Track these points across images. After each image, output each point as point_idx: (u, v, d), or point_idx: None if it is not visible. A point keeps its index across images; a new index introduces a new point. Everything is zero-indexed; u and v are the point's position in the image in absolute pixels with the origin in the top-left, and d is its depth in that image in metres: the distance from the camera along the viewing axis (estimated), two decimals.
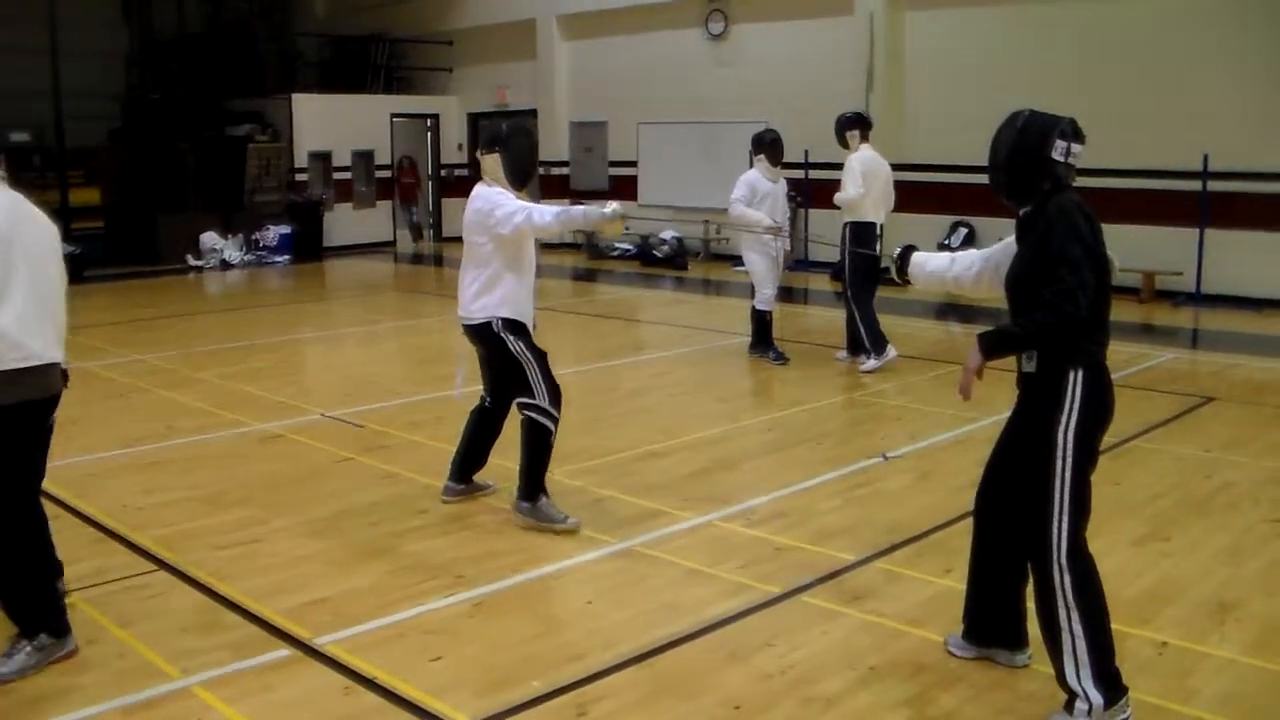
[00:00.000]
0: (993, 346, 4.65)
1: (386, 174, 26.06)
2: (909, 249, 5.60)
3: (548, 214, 6.91)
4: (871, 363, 11.60)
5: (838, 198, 11.83)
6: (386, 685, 5.10)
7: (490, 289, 7.06)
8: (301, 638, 5.60)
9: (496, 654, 5.42)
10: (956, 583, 5.99)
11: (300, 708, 4.97)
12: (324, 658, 5.39)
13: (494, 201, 6.96)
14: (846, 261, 12.02)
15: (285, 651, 5.49)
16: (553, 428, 7.04)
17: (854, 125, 12.02)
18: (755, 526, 7.11)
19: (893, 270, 5.68)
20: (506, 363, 7.09)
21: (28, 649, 5.32)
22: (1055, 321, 4.43)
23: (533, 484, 7.12)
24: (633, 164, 22.97)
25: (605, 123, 23.12)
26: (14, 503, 5.31)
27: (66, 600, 5.73)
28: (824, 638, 5.52)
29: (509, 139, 7.08)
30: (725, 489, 7.90)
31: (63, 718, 4.93)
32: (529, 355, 7.03)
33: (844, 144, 11.99)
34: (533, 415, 7.02)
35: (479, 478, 7.73)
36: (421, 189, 26.58)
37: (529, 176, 7.22)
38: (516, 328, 7.07)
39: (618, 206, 6.98)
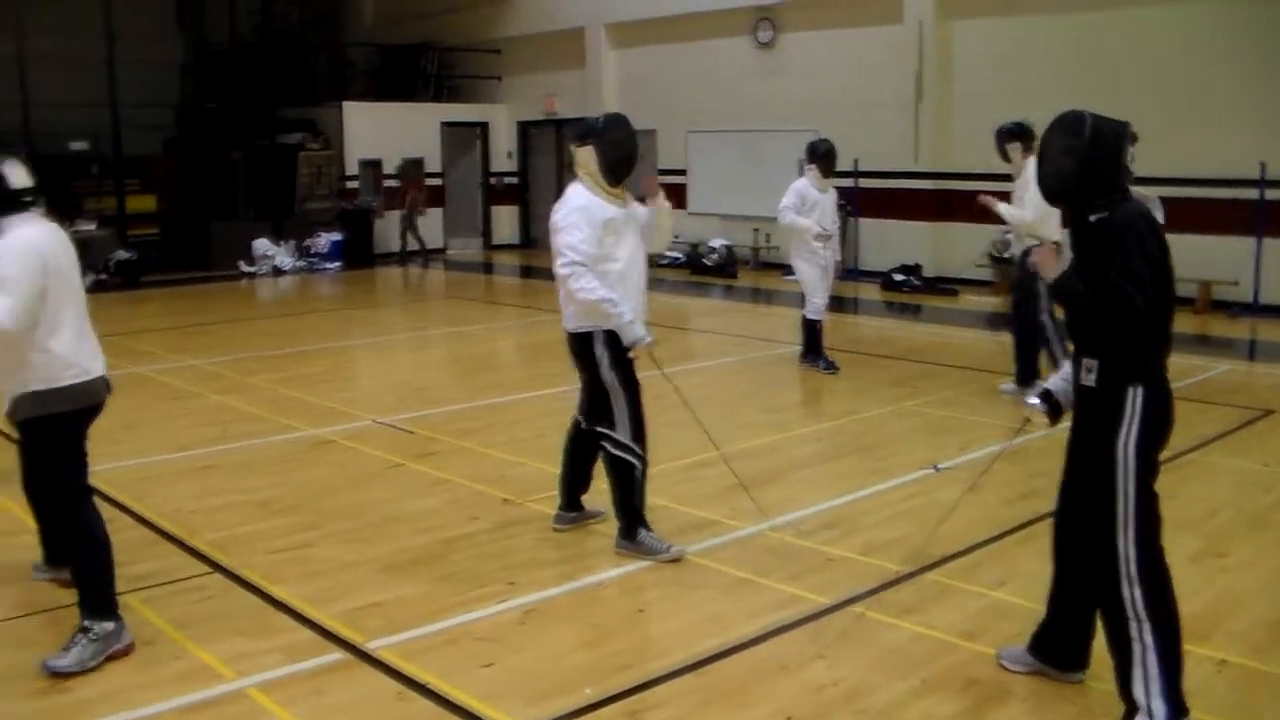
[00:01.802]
0: (1060, 288, 4.67)
1: (438, 182, 26.15)
2: (1047, 393, 5.02)
3: (591, 292, 6.49)
4: (1011, 386, 10.95)
5: (1012, 216, 10.59)
6: (438, 691, 5.11)
7: (575, 301, 6.69)
8: (354, 642, 5.63)
9: (547, 661, 5.42)
10: (1009, 595, 5.97)
11: (353, 712, 5.00)
12: (376, 662, 5.42)
13: (561, 224, 6.61)
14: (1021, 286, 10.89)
15: (338, 655, 5.53)
16: (636, 462, 6.77)
17: (1015, 137, 10.61)
18: (806, 537, 7.08)
19: (1045, 419, 5.06)
20: (595, 383, 6.80)
21: (84, 641, 5.46)
22: (1113, 303, 4.36)
23: (627, 521, 6.85)
24: (682, 172, 22.95)
25: (654, 131, 23.08)
26: (78, 494, 5.66)
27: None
28: (875, 649, 5.49)
29: (605, 131, 6.69)
30: (776, 499, 7.86)
31: (120, 716, 4.99)
32: (619, 385, 6.72)
33: (1005, 158, 10.84)
34: (611, 449, 6.79)
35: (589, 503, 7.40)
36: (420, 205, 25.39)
37: (625, 173, 6.74)
38: (616, 344, 6.67)
39: (651, 341, 6.66)
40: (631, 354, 6.68)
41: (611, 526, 7.01)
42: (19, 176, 5.58)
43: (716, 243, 21.63)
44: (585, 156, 6.69)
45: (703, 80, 22.52)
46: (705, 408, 10.45)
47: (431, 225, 25.88)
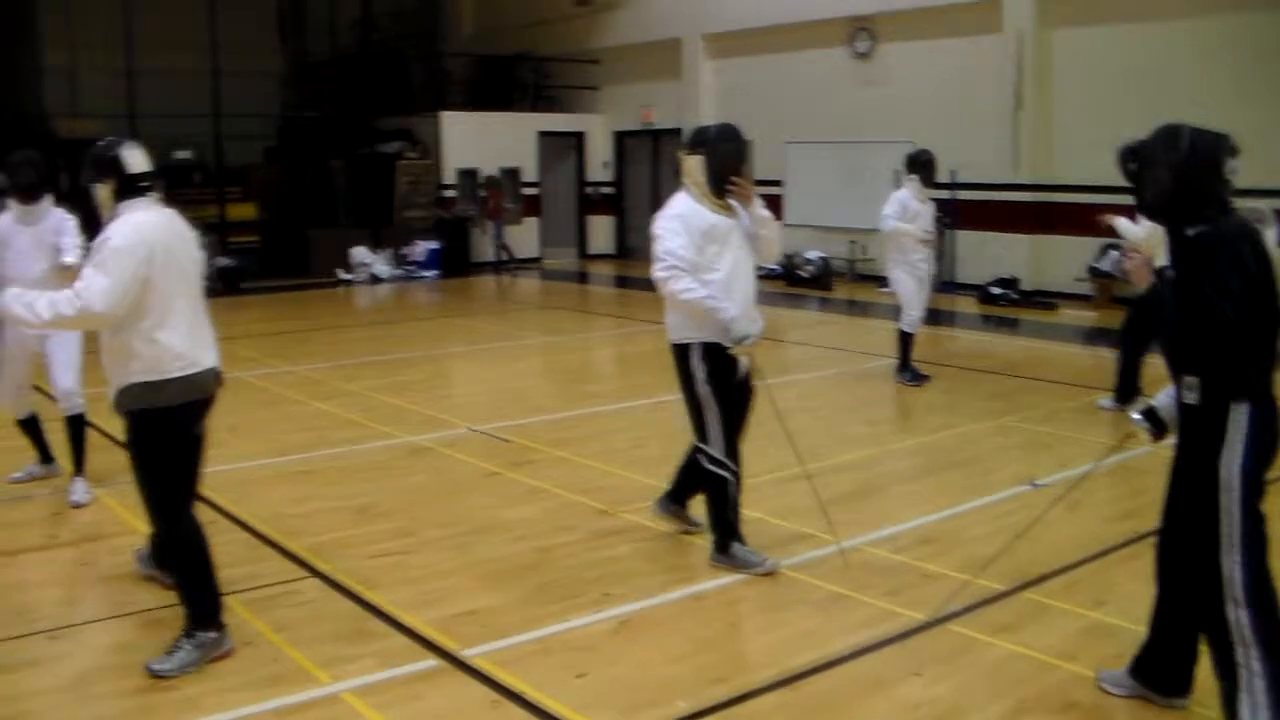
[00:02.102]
0: (1152, 300, 4.62)
1: (534, 191, 26.30)
2: (1151, 410, 4.95)
3: (691, 292, 6.47)
4: (1110, 402, 10.81)
5: (1127, 231, 10.40)
6: (533, 700, 5.13)
7: (677, 304, 6.65)
8: (449, 649, 5.67)
9: (641, 673, 5.44)
10: (1108, 616, 5.90)
11: (447, 718, 5.04)
12: (471, 670, 5.45)
13: (659, 231, 6.61)
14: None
15: (433, 662, 5.57)
16: (729, 476, 6.71)
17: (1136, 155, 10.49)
18: (902, 552, 7.05)
19: (1148, 435, 4.97)
20: (689, 396, 6.75)
21: (188, 646, 5.52)
22: (1204, 316, 4.30)
23: (721, 535, 6.81)
24: (778, 183, 22.89)
25: (751, 142, 23.04)
26: (182, 499, 5.67)
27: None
28: (972, 668, 5.45)
29: (716, 141, 6.67)
30: (871, 513, 7.85)
31: (219, 715, 5.08)
32: (712, 399, 6.66)
33: (1127, 176, 10.55)
34: (704, 463, 6.76)
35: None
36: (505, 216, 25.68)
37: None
38: (714, 358, 6.61)
39: (754, 338, 6.66)
40: (735, 351, 6.63)
41: (707, 538, 7.00)
42: (137, 160, 5.61)
43: (812, 254, 21.54)
44: (693, 165, 6.66)
45: (799, 91, 22.46)
46: (801, 420, 10.46)
47: (527, 235, 26.05)
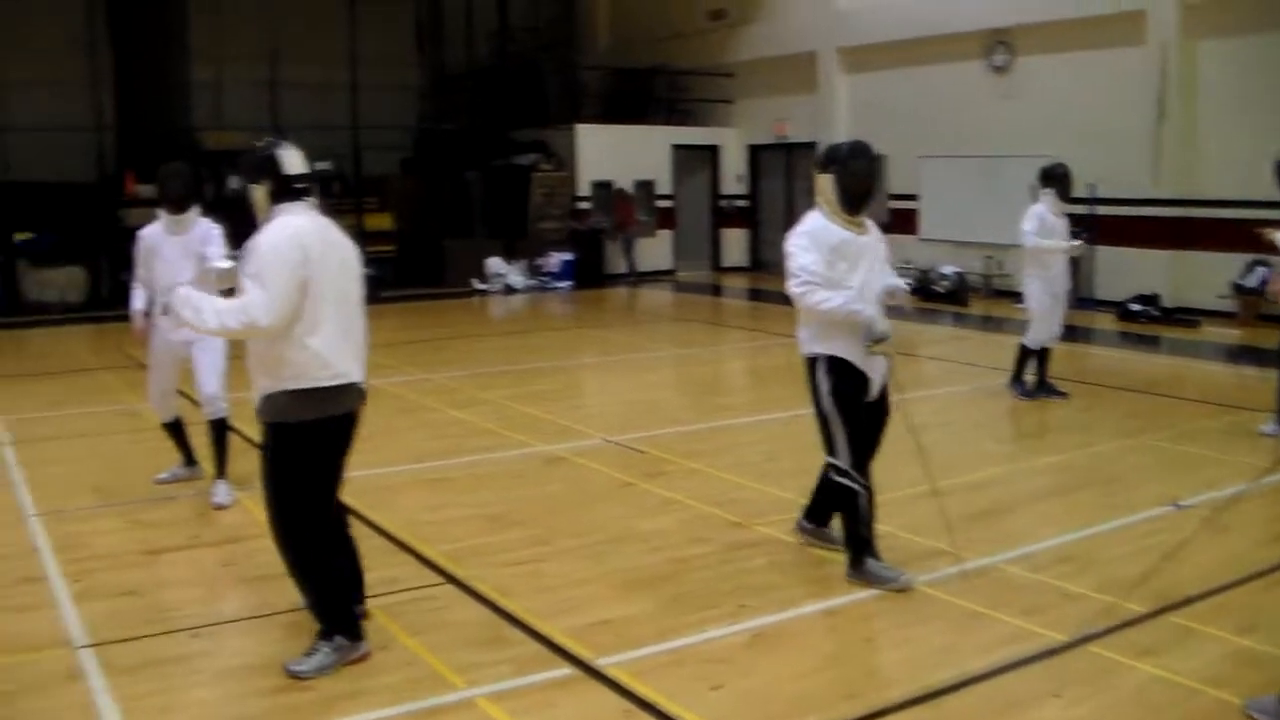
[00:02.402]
0: None
1: (668, 204, 26.38)
2: None
3: (828, 302, 6.49)
4: (1273, 428, 10.39)
5: None
6: (666, 711, 5.14)
7: (809, 317, 6.70)
8: (583, 658, 5.69)
9: (775, 686, 5.41)
10: (1258, 643, 5.75)
11: None
12: (605, 679, 5.47)
13: (791, 248, 6.63)
14: None
15: (567, 670, 5.60)
16: (859, 489, 6.69)
17: None
18: (1039, 571, 6.92)
19: None
20: (818, 409, 6.76)
21: (326, 649, 5.60)
22: None
23: (854, 550, 6.77)
24: (913, 197, 22.73)
25: (886, 156, 22.86)
26: (316, 511, 5.64)
27: (363, 608, 6.00)
28: (1113, 691, 5.34)
29: (847, 159, 6.60)
30: (1007, 531, 7.74)
31: (355, 718, 5.16)
32: (836, 413, 6.66)
33: None
34: (834, 476, 6.76)
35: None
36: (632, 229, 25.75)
37: (863, 203, 6.64)
38: (840, 372, 6.64)
39: (889, 336, 6.63)
40: (877, 349, 6.63)
41: (843, 554, 6.95)
42: (294, 162, 5.58)
43: (948, 269, 21.33)
44: (825, 184, 6.65)
45: (935, 105, 22.26)
46: (935, 436, 10.33)
47: (660, 247, 26.15)
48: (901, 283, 6.93)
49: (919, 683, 5.41)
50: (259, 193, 5.58)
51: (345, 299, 5.63)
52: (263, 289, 5.26)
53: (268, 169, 5.55)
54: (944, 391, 12.73)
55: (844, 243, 6.59)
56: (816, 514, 7.32)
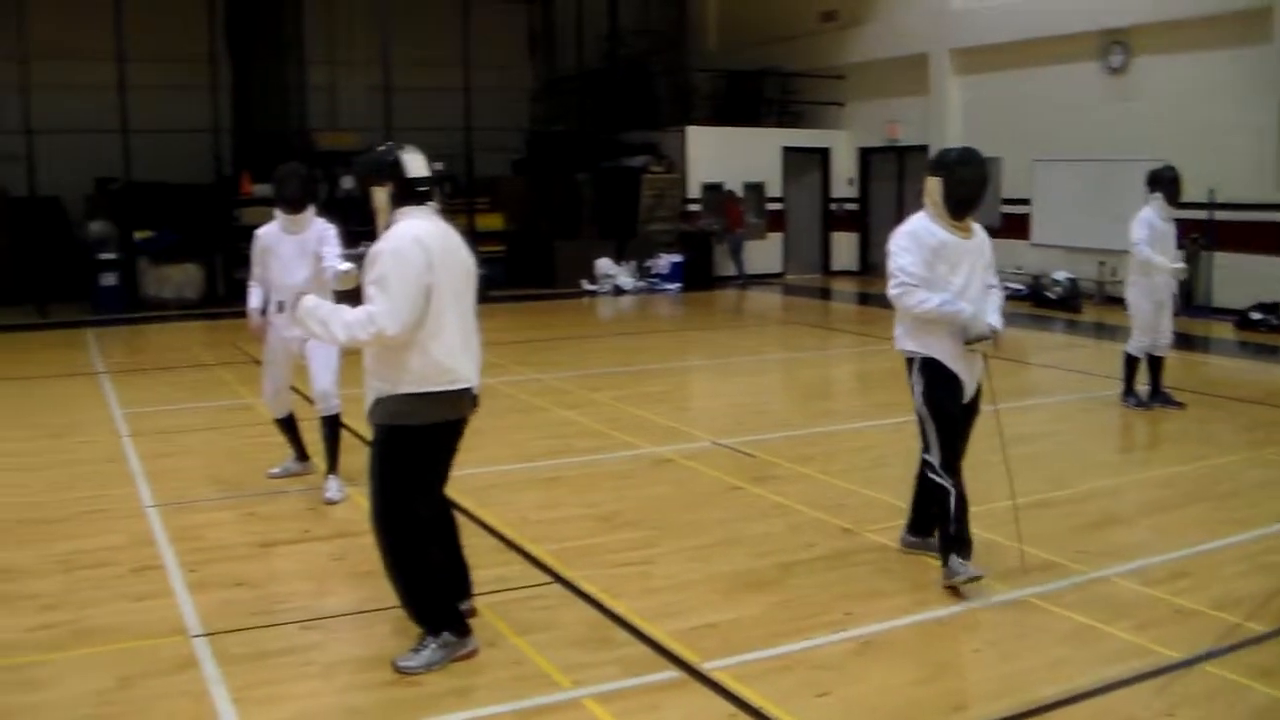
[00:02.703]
0: None
1: (778, 206, 26.32)
2: None
3: (926, 303, 6.56)
4: None
5: None
6: (772, 716, 5.13)
7: (905, 316, 6.78)
8: (689, 661, 5.69)
9: (882, 695, 5.38)
10: None
11: None
12: (711, 683, 5.47)
13: (892, 249, 6.72)
14: None
15: (673, 673, 5.60)
16: (948, 487, 6.70)
17: None
18: (1153, 585, 6.79)
19: None
20: (916, 408, 6.84)
21: (433, 645, 5.66)
22: None
23: (942, 546, 6.80)
24: (1025, 202, 22.45)
25: (998, 159, 22.61)
26: (420, 512, 5.68)
27: (470, 605, 6.06)
28: (1229, 712, 5.23)
29: (955, 165, 6.63)
30: (1119, 543, 7.61)
31: (461, 714, 5.22)
32: (929, 414, 6.72)
33: None
34: (929, 473, 6.82)
35: None
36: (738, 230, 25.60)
37: (968, 209, 6.66)
38: (933, 373, 6.70)
39: (989, 341, 6.66)
40: (975, 349, 6.67)
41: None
42: (417, 165, 5.59)
43: (1060, 275, 21.02)
44: (932, 186, 6.68)
45: (1049, 107, 21.92)
46: (1046, 445, 10.26)
47: (770, 250, 26.11)
48: (997, 307, 6.87)
49: (1027, 696, 5.34)
50: (381, 195, 5.60)
51: (463, 303, 5.66)
52: (388, 297, 5.28)
53: (391, 171, 5.57)
54: (1055, 400, 12.58)
55: (945, 245, 6.63)
56: (919, 526, 7.27)
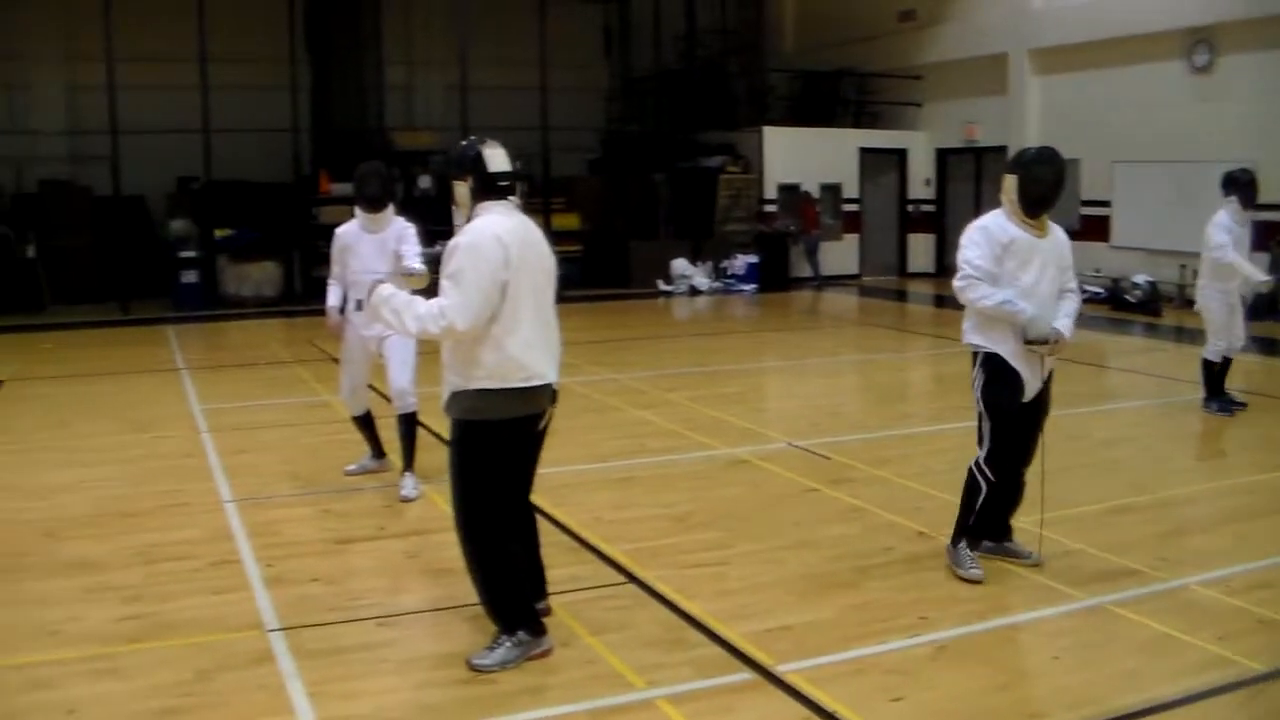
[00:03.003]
0: None
1: (854, 208, 26.21)
2: None
3: (987, 298, 6.63)
4: None
5: None
6: None
7: (971, 310, 6.84)
8: (763, 663, 5.68)
9: (957, 701, 5.33)
10: None
11: None
12: (784, 685, 5.44)
13: (962, 241, 6.82)
14: None
15: (746, 675, 5.59)
16: (983, 485, 6.79)
17: None
18: (1236, 595, 6.66)
19: None
20: (975, 402, 6.90)
21: (508, 644, 5.67)
22: None
23: (956, 529, 6.98)
24: (1105, 204, 22.19)
25: (1077, 161, 22.35)
26: (500, 508, 5.70)
27: (545, 604, 6.08)
28: None
29: (1030, 164, 6.68)
30: (1200, 551, 7.48)
31: (535, 713, 5.22)
32: (984, 407, 6.80)
33: None
34: (972, 464, 6.90)
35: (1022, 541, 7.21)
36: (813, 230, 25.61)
37: (1042, 207, 6.66)
38: (994, 369, 6.74)
39: (1056, 335, 6.64)
40: (1043, 350, 6.66)
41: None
42: (498, 160, 5.61)
43: (1140, 278, 20.76)
44: (1009, 184, 6.72)
45: (1130, 108, 21.63)
46: (1125, 450, 10.15)
47: (846, 251, 26.02)
48: (1069, 312, 6.85)
49: (1105, 705, 5.27)
50: (462, 189, 5.62)
51: (542, 299, 5.67)
52: (460, 291, 5.31)
53: (473, 165, 5.59)
54: (1134, 405, 12.41)
55: (1016, 242, 6.68)
56: (996, 531, 7.20)
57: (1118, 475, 9.21)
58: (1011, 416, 6.76)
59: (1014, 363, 6.69)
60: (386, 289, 5.62)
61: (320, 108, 25.55)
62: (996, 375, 6.74)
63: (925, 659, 5.79)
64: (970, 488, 6.89)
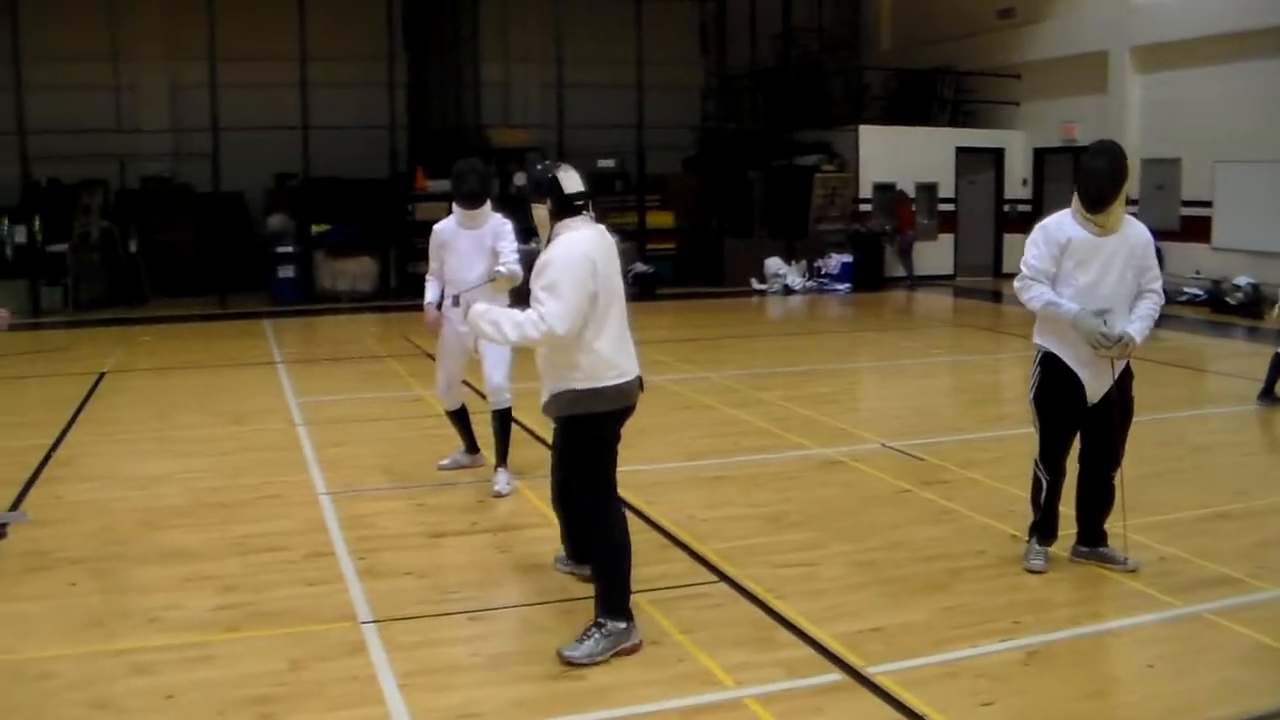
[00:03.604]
0: None
1: (949, 208, 26.01)
2: None
3: (1038, 299, 6.71)
4: None
5: None
6: None
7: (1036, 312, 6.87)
8: (853, 664, 5.65)
9: (1049, 707, 5.28)
10: None
11: None
12: (874, 687, 5.42)
13: (1027, 241, 6.89)
14: None
15: (837, 676, 5.57)
16: (1044, 481, 6.93)
17: None
18: None
19: None
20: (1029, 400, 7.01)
21: (597, 636, 5.74)
22: None
23: (1031, 527, 7.11)
24: (1207, 204, 21.81)
25: (1177, 160, 22.03)
26: (608, 496, 5.95)
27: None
28: None
29: (1085, 160, 6.71)
30: None
31: (625, 709, 5.25)
32: (1035, 410, 6.92)
33: None
34: (1033, 463, 7.01)
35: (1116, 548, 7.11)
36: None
37: (1098, 202, 6.58)
38: (1049, 369, 6.81)
39: (1117, 336, 6.54)
40: (1102, 354, 6.62)
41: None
42: (572, 182, 5.92)
43: (1242, 280, 20.39)
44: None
45: (1234, 106, 21.15)
46: (1227, 456, 9.99)
47: (941, 251, 25.82)
48: (1143, 314, 6.77)
49: (1200, 716, 5.20)
50: (541, 211, 5.97)
51: (619, 299, 5.98)
52: (558, 300, 5.61)
53: (550, 189, 5.92)
54: (1233, 410, 12.18)
55: (1074, 241, 6.68)
56: (1088, 536, 7.12)
57: (1215, 481, 9.05)
58: (1060, 418, 6.83)
59: (1073, 365, 6.70)
60: (481, 305, 6.09)
61: (417, 105, 25.81)
62: (1050, 375, 6.82)
63: (1016, 664, 5.73)
64: (1033, 485, 7.03)
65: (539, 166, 6.19)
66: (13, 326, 18.74)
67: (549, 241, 5.92)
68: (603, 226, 6.08)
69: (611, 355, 5.83)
